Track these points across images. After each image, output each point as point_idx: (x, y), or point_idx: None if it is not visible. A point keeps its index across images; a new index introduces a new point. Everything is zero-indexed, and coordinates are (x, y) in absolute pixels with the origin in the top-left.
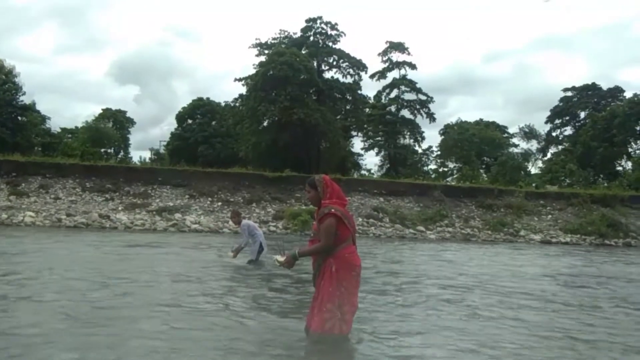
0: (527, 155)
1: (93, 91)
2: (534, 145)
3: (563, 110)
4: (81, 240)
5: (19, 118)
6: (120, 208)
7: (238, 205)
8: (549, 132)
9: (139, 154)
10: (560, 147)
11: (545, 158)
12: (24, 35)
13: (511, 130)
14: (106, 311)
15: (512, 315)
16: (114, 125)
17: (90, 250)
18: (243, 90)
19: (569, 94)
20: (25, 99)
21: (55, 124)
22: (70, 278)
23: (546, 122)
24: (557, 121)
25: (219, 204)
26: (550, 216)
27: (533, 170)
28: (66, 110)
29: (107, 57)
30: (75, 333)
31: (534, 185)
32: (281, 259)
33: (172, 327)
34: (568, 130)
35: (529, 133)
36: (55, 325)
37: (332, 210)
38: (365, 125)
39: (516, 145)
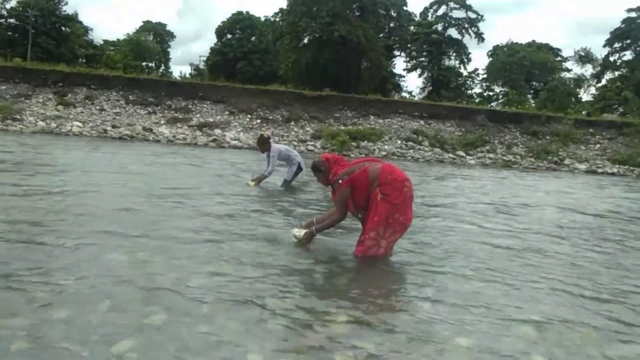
0: (579, 81)
1: (135, 2)
2: (588, 70)
3: (624, 33)
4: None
5: (63, 29)
6: (162, 122)
7: (277, 123)
8: (606, 57)
9: (179, 69)
10: (617, 73)
11: (600, 85)
12: None
13: (565, 54)
14: None
15: None
16: (154, 39)
17: None
18: (284, 3)
19: (633, 14)
20: (67, 10)
21: (98, 36)
22: None
23: (604, 46)
24: (617, 45)
25: (258, 121)
26: (598, 145)
27: (585, 97)
28: (108, 22)
29: None
30: None
31: (584, 112)
32: (299, 234)
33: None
34: (627, 55)
35: (584, 57)
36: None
37: (340, 181)
38: (409, 45)
39: (569, 70)
